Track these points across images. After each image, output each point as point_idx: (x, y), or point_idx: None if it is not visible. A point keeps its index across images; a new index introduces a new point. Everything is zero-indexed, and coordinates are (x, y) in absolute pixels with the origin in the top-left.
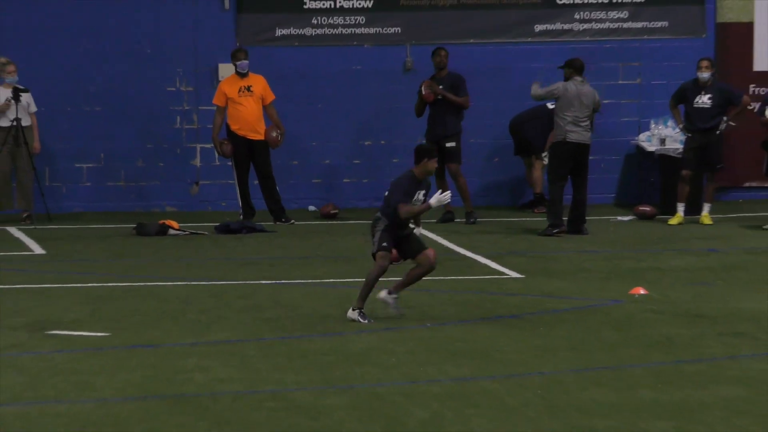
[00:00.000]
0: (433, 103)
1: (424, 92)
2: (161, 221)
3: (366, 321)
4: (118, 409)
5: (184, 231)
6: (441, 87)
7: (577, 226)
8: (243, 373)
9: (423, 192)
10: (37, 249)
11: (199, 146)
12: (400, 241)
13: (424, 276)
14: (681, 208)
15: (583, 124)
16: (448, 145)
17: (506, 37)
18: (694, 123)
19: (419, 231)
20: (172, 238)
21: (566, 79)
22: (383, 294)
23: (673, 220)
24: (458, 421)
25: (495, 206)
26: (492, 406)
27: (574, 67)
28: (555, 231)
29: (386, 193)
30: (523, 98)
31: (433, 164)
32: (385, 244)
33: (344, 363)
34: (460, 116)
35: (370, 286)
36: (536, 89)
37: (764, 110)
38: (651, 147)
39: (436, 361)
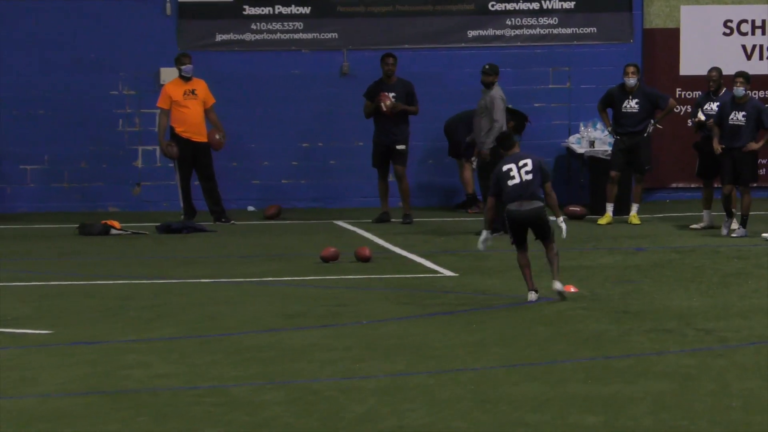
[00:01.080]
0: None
1: (385, 109)
2: (104, 221)
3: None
4: (60, 404)
5: (126, 231)
6: (393, 95)
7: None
8: (182, 368)
9: None
10: None
11: (141, 148)
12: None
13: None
14: (610, 208)
15: None
16: (398, 147)
17: (440, 42)
18: (622, 126)
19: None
20: (115, 237)
21: (489, 84)
22: (559, 285)
23: (603, 220)
24: (393, 415)
25: (430, 207)
26: (426, 401)
27: (497, 74)
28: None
29: (528, 178)
30: (455, 102)
31: None
32: None
33: (282, 359)
34: (408, 121)
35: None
36: (500, 128)
37: (697, 112)
38: (580, 149)
39: (371, 357)
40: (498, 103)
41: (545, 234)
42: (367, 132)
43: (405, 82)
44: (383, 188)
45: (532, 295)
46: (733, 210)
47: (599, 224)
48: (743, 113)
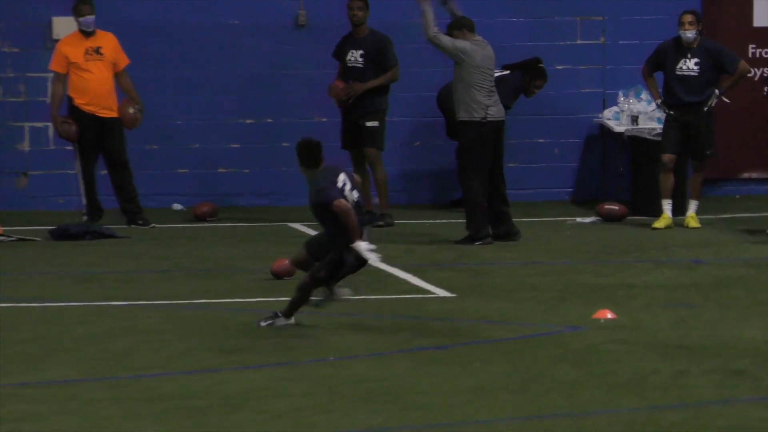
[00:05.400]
0: (350, 70)
1: (338, 105)
2: None
3: None
4: None
5: (10, 236)
6: (361, 52)
7: (504, 229)
8: (86, 421)
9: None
10: None
11: (27, 125)
12: None
13: None
14: (667, 206)
15: (495, 96)
16: (368, 124)
17: None
18: (675, 96)
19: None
20: None
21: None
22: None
23: (659, 223)
24: None
25: (417, 204)
26: None
27: (466, 27)
28: (478, 243)
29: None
30: (448, 63)
31: None
32: None
33: (219, 409)
34: (385, 89)
35: None
36: (434, 30)
37: None
38: (619, 127)
39: (340, 407)
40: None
41: None
42: (331, 103)
43: (378, 37)
44: (359, 175)
45: None
46: None
47: (655, 228)
48: None
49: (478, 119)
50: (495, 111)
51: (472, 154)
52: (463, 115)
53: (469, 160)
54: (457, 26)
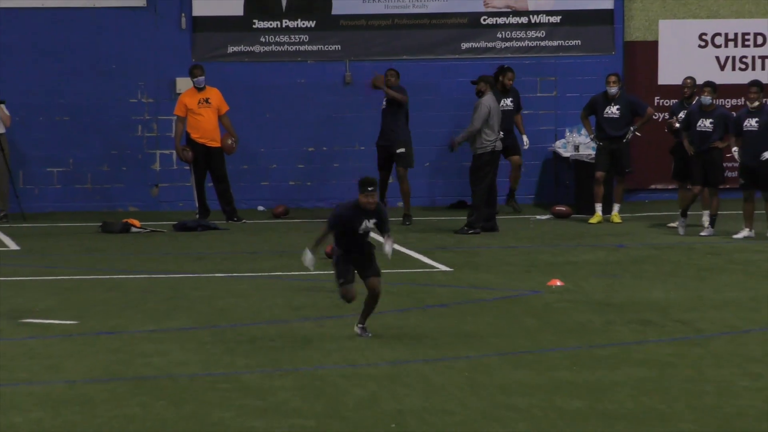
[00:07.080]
0: (382, 113)
1: (374, 82)
2: (125, 220)
3: None
4: (85, 389)
5: (145, 229)
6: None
7: (491, 225)
8: (198, 356)
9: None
10: (12, 245)
11: (158, 152)
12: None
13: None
14: (599, 208)
15: (499, 133)
16: (398, 151)
17: (435, 54)
18: (604, 131)
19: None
20: (135, 235)
21: (481, 93)
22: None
23: (593, 219)
24: (393, 399)
25: (425, 206)
26: (423, 386)
27: (489, 83)
28: (471, 232)
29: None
30: (450, 109)
31: (364, 198)
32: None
33: (289, 347)
34: (406, 124)
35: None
36: (475, 127)
37: (673, 119)
38: (566, 153)
39: (373, 346)
40: (479, 109)
41: None
42: (367, 136)
43: (397, 88)
44: (382, 189)
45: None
46: (707, 212)
47: (590, 223)
48: (710, 120)
49: (489, 150)
50: (498, 145)
51: (483, 173)
52: (478, 148)
53: (481, 177)
54: (483, 80)
